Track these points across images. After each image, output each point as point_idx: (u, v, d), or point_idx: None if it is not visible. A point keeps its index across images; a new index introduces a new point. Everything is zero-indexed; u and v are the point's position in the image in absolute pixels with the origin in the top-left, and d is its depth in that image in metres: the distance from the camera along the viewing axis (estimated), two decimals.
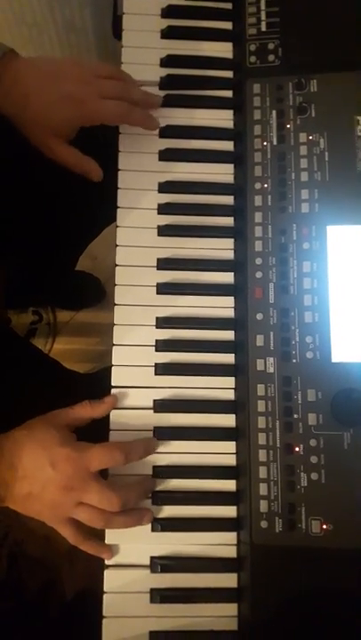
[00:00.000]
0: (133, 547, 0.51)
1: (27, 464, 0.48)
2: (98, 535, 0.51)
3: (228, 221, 0.56)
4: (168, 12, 0.60)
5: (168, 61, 0.59)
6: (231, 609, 0.49)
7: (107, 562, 0.50)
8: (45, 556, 1.15)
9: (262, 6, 0.58)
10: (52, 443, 0.48)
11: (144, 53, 0.58)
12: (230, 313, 0.54)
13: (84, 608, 1.02)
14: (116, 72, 0.55)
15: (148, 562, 0.50)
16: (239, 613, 0.49)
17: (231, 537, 0.51)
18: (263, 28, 0.58)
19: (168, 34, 0.59)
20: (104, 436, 0.52)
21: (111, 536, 0.51)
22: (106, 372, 0.54)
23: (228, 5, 0.61)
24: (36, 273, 0.92)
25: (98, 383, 0.57)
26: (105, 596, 0.50)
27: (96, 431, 0.53)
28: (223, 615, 0.49)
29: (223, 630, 0.49)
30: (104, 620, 0.49)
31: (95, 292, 1.19)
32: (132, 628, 0.49)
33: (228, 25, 0.60)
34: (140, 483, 0.51)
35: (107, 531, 0.50)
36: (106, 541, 0.50)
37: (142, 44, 0.59)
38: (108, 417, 0.52)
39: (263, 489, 0.49)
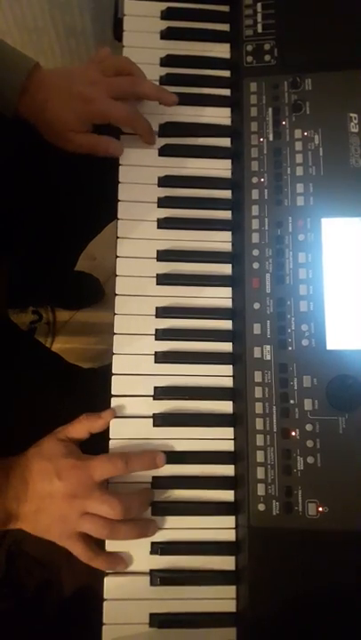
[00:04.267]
0: None
1: (35, 477, 0.50)
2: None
3: (225, 215, 0.58)
4: (167, 13, 0.62)
5: (168, 61, 0.61)
6: (230, 591, 0.50)
7: (107, 547, 0.51)
8: (44, 555, 1.16)
9: (258, 8, 0.60)
10: (58, 455, 0.50)
11: (144, 53, 0.60)
12: (228, 303, 0.56)
13: (83, 604, 1.02)
14: (125, 66, 0.58)
15: (148, 546, 0.51)
16: (238, 595, 0.50)
17: (230, 520, 0.52)
18: (259, 30, 0.60)
19: (167, 35, 0.61)
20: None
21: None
22: (107, 368, 0.55)
23: (226, 8, 0.63)
24: (37, 272, 0.93)
25: (100, 377, 0.59)
26: (105, 579, 0.51)
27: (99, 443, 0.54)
28: (222, 597, 0.50)
29: (222, 612, 0.50)
30: (105, 603, 0.50)
31: (95, 292, 1.21)
32: (132, 610, 0.50)
33: (225, 27, 0.62)
34: (141, 492, 0.52)
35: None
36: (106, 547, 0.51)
37: (142, 44, 0.61)
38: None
39: (261, 473, 0.50)
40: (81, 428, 0.53)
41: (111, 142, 0.58)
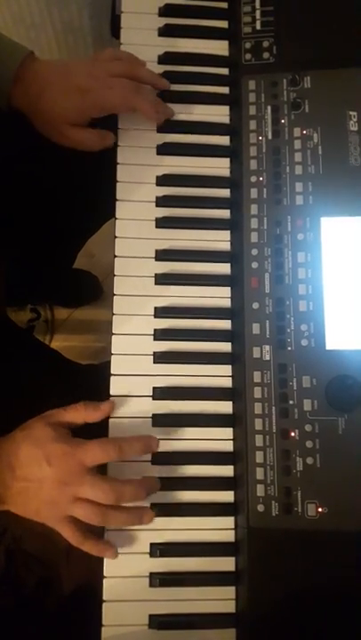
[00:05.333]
0: (132, 533, 0.51)
1: (23, 462, 0.49)
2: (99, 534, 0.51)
3: (224, 214, 0.57)
4: (165, 10, 0.61)
5: (165, 58, 0.60)
6: (229, 592, 0.50)
7: None
8: (43, 553, 1.15)
9: (257, 5, 0.60)
10: (47, 440, 0.49)
11: (142, 50, 0.59)
12: (227, 303, 0.56)
13: (82, 603, 1.02)
14: (123, 55, 0.57)
15: (147, 547, 0.51)
16: (237, 596, 0.50)
17: (229, 521, 0.51)
18: (258, 27, 0.59)
19: (165, 32, 0.61)
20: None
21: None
22: (107, 364, 0.54)
23: (224, 4, 0.62)
24: (35, 269, 0.93)
25: (99, 374, 0.58)
26: (105, 581, 0.50)
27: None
28: (221, 598, 0.50)
29: (221, 613, 0.50)
30: (104, 604, 0.50)
31: (93, 290, 1.20)
32: (131, 611, 0.50)
33: (223, 24, 0.62)
34: (140, 480, 0.51)
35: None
36: (105, 536, 0.51)
37: (140, 41, 0.60)
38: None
39: (260, 473, 0.50)
40: (76, 415, 0.51)
41: (106, 136, 0.57)
